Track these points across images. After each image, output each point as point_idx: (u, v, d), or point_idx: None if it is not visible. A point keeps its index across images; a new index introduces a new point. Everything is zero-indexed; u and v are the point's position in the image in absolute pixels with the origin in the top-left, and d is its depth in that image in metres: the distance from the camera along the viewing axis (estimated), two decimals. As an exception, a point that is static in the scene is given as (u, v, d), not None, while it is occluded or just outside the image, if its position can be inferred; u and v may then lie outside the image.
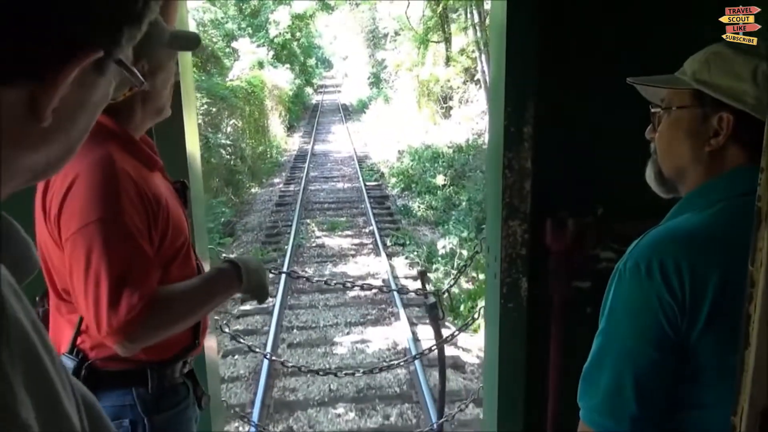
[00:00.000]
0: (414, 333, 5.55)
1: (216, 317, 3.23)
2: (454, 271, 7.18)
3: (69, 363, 1.34)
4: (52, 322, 1.42)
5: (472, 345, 5.41)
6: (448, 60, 17.16)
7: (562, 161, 1.90)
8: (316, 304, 6.49)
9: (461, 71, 16.45)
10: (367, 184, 12.74)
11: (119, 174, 1.27)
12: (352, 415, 4.41)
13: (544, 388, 1.97)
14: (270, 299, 6.53)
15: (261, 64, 22.20)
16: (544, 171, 1.90)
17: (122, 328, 1.23)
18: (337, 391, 4.69)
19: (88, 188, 1.25)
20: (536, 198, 1.91)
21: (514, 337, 2.00)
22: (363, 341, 5.59)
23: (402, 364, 4.40)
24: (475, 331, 5.20)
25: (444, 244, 7.65)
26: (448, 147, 12.99)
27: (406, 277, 7.17)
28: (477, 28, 13.97)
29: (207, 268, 1.83)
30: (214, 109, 12.06)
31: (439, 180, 11.71)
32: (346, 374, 3.79)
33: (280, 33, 25.04)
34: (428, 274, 6.46)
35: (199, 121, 10.05)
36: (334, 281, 3.81)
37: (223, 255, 2.75)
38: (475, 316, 3.20)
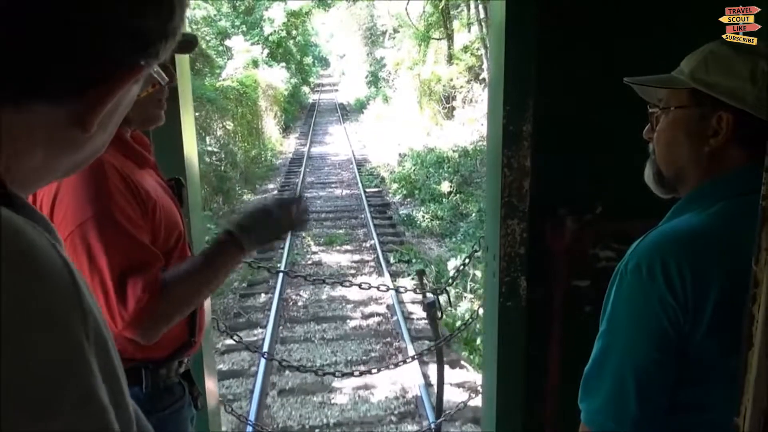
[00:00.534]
0: (426, 377, 4.76)
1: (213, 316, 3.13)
2: (469, 294, 6.43)
3: None
4: None
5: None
6: (450, 58, 16.40)
7: (561, 160, 1.89)
8: (312, 337, 5.70)
9: (465, 70, 15.68)
10: (367, 190, 11.94)
11: (107, 170, 1.27)
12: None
13: (544, 387, 1.99)
14: (259, 331, 5.74)
15: (255, 63, 21.48)
16: (543, 170, 1.89)
17: (134, 321, 1.24)
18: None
19: (78, 187, 1.25)
20: (535, 197, 1.91)
21: (513, 336, 2.00)
22: (366, 387, 4.80)
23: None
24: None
25: (455, 264, 6.84)
26: (453, 151, 12.18)
27: (413, 302, 6.38)
28: (483, 24, 13.21)
29: None
30: (198, 114, 11.23)
31: (445, 187, 10.92)
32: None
33: (275, 31, 24.44)
34: (440, 299, 5.86)
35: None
36: (332, 280, 4.03)
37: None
38: (474, 317, 3.16)
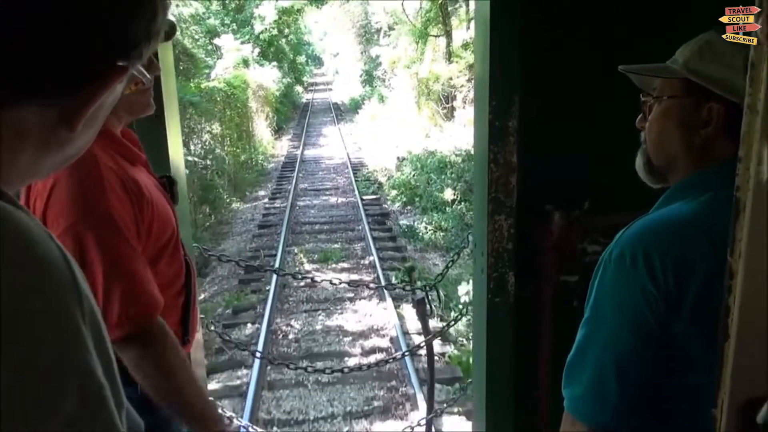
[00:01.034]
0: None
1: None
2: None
3: None
4: None
5: None
6: (449, 56, 15.62)
7: (547, 156, 1.89)
8: (305, 381, 4.91)
9: (465, 68, 14.87)
10: (364, 198, 11.15)
11: (102, 170, 1.25)
12: None
13: (534, 382, 1.98)
14: (244, 373, 4.95)
15: (246, 62, 20.69)
16: (530, 165, 1.89)
17: (119, 324, 1.23)
18: None
19: (73, 186, 1.23)
20: (522, 192, 1.91)
21: (502, 331, 1.99)
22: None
23: None
24: None
25: (467, 290, 6.07)
26: (456, 155, 11.39)
27: (420, 333, 5.59)
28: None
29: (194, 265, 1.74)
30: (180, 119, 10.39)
31: (448, 195, 10.15)
32: None
33: (266, 29, 23.67)
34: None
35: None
36: (322, 279, 3.77)
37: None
38: (463, 312, 3.21)
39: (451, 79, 15.15)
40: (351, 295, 6.72)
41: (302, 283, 7.07)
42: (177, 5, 17.00)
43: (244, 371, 5.01)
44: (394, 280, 6.98)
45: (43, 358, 0.45)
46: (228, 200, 11.54)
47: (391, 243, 8.55)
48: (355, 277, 7.27)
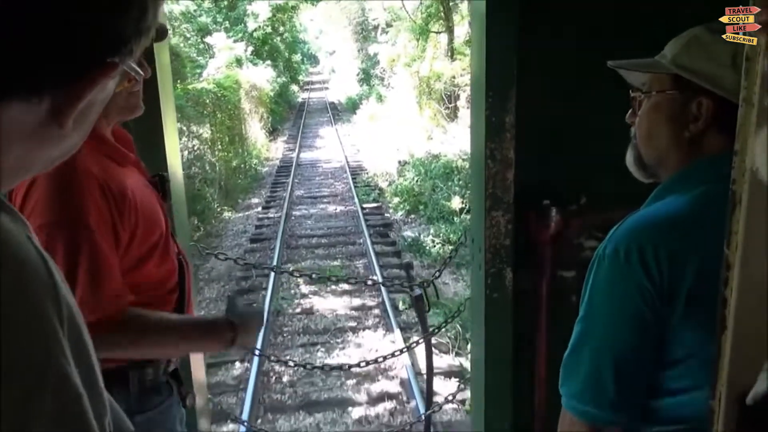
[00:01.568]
0: None
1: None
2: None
3: None
4: None
5: None
6: (452, 53, 14.86)
7: (544, 151, 1.89)
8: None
9: (468, 66, 14.12)
10: (365, 206, 10.36)
11: (80, 174, 1.25)
12: None
13: (532, 376, 1.97)
14: (230, 429, 4.18)
15: (239, 62, 19.92)
16: (527, 161, 1.90)
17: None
18: None
19: (49, 186, 1.23)
20: (519, 188, 1.91)
21: (500, 327, 1.99)
22: None
23: None
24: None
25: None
26: (463, 159, 10.61)
27: (438, 373, 4.83)
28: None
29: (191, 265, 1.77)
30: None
31: (455, 203, 9.37)
32: None
33: (259, 26, 22.92)
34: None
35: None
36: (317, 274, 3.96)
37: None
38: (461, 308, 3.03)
39: (454, 77, 14.40)
40: (353, 324, 5.95)
41: (298, 309, 6.33)
42: (168, 2, 16.25)
43: (230, 429, 4.23)
44: (401, 306, 6.22)
45: (18, 364, 0.45)
46: (218, 209, 10.75)
47: (396, 259, 7.77)
48: (357, 301, 6.49)
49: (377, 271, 7.01)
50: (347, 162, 14.44)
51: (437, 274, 3.18)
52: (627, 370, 1.00)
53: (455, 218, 9.03)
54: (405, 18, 17.70)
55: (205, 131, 11.55)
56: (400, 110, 15.82)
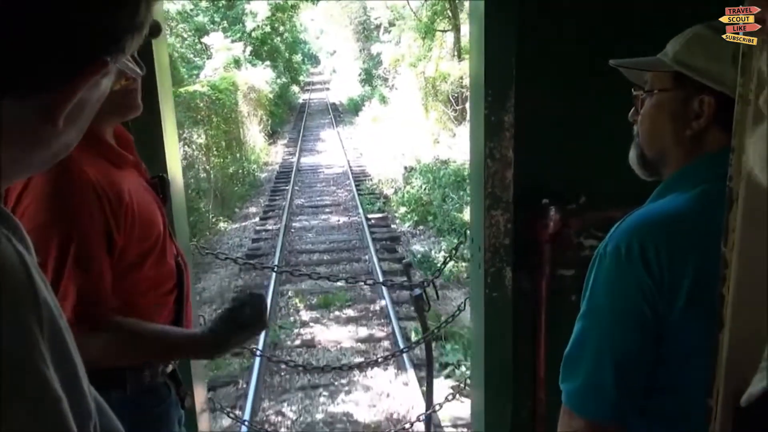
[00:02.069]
0: None
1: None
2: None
3: None
4: None
5: None
6: (458, 53, 14.17)
7: (543, 150, 1.89)
8: None
9: (477, 66, 13.48)
10: (370, 216, 9.68)
11: (75, 176, 1.23)
12: None
13: (532, 375, 1.98)
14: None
15: (237, 62, 19.26)
16: (526, 160, 1.90)
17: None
18: None
19: (42, 188, 1.23)
20: (518, 187, 1.91)
21: (500, 326, 1.99)
22: None
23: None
24: None
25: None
26: (474, 166, 9.94)
27: (457, 426, 4.15)
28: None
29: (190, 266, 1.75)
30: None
31: (467, 214, 8.68)
32: None
33: (258, 26, 22.28)
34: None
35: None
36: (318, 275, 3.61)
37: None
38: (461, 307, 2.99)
39: (461, 78, 13.69)
40: (360, 359, 5.26)
41: (297, 341, 5.65)
42: (164, 1, 15.64)
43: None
44: (414, 336, 5.54)
45: None
46: (213, 220, 10.07)
47: (406, 280, 7.07)
48: (363, 331, 5.81)
49: (386, 296, 6.33)
50: (350, 167, 13.76)
51: (437, 273, 3.36)
52: (626, 367, 1.00)
53: (467, 231, 8.34)
54: (409, 16, 17.04)
55: (200, 137, 10.87)
56: (405, 112, 15.14)
